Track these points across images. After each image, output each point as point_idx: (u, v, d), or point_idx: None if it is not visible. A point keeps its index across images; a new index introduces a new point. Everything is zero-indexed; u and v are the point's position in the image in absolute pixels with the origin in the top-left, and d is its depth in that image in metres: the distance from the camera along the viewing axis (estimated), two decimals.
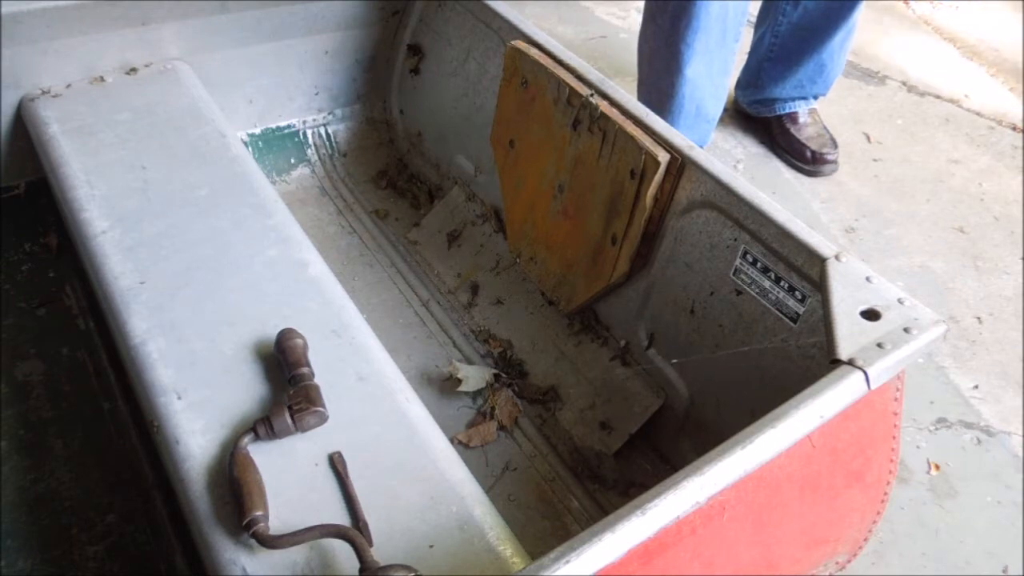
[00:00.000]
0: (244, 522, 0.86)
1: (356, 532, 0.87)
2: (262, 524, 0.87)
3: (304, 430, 0.99)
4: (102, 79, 1.53)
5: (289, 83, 1.82)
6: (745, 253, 1.17)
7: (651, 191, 1.26)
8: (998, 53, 2.88)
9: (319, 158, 1.94)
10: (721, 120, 2.39)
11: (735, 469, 0.75)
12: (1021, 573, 1.41)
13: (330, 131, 1.95)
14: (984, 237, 2.10)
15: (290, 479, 0.95)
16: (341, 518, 0.92)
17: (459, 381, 1.48)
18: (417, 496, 0.95)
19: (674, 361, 1.35)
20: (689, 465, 0.74)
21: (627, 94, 1.34)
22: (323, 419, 0.99)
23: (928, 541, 1.45)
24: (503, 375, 1.51)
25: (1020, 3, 3.14)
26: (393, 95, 1.95)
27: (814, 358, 1.10)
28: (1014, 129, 2.51)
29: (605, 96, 1.34)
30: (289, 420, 0.96)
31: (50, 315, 1.52)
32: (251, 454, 0.95)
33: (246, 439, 0.96)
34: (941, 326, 0.93)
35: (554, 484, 1.38)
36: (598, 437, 1.42)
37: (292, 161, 1.91)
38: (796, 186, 2.22)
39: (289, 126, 1.89)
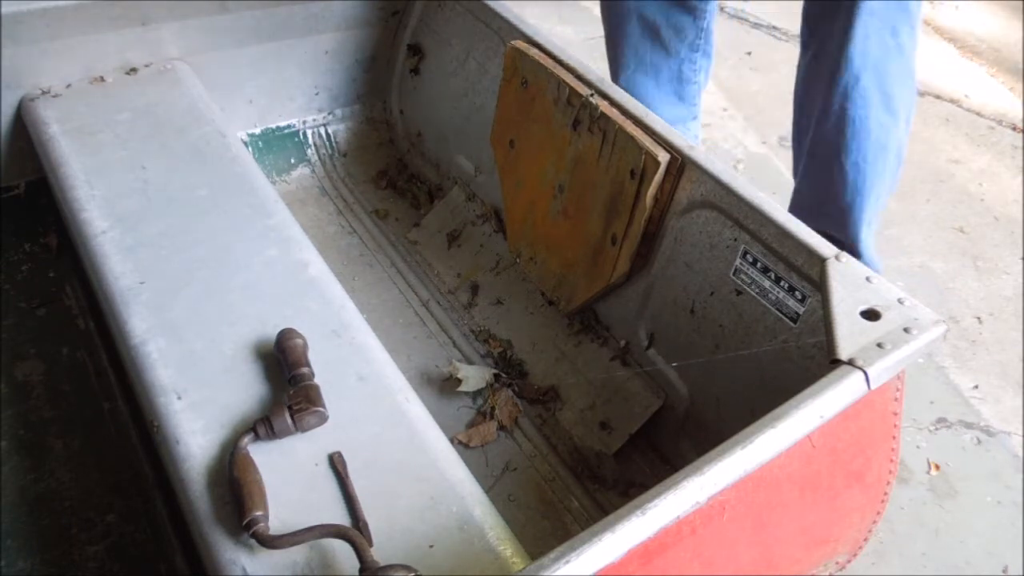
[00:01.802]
0: (244, 522, 0.86)
1: (356, 532, 0.87)
2: (262, 524, 0.87)
3: (304, 430, 0.98)
4: (102, 79, 1.53)
5: (289, 83, 1.82)
6: (745, 253, 1.17)
7: (651, 191, 1.26)
8: (998, 53, 2.88)
9: (319, 158, 1.94)
10: (721, 120, 2.40)
11: (735, 469, 0.75)
12: (1021, 573, 1.41)
13: (330, 131, 1.95)
14: (984, 237, 2.10)
15: (290, 479, 0.95)
16: (341, 518, 0.92)
17: (459, 381, 1.48)
18: (417, 496, 0.95)
19: (674, 364, 1.35)
20: (689, 465, 0.74)
21: (627, 94, 1.34)
22: (323, 419, 0.99)
23: (928, 541, 1.45)
24: (503, 375, 1.51)
25: (1020, 3, 3.14)
26: (393, 95, 1.95)
27: (814, 358, 1.10)
28: (1014, 129, 2.51)
29: (605, 96, 1.34)
30: (289, 420, 0.96)
31: (50, 315, 1.52)
32: (251, 454, 0.95)
33: (246, 439, 0.96)
34: (941, 326, 0.93)
35: (554, 484, 1.38)
36: (598, 437, 1.42)
37: (292, 161, 1.91)
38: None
39: (289, 126, 1.89)
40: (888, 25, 1.49)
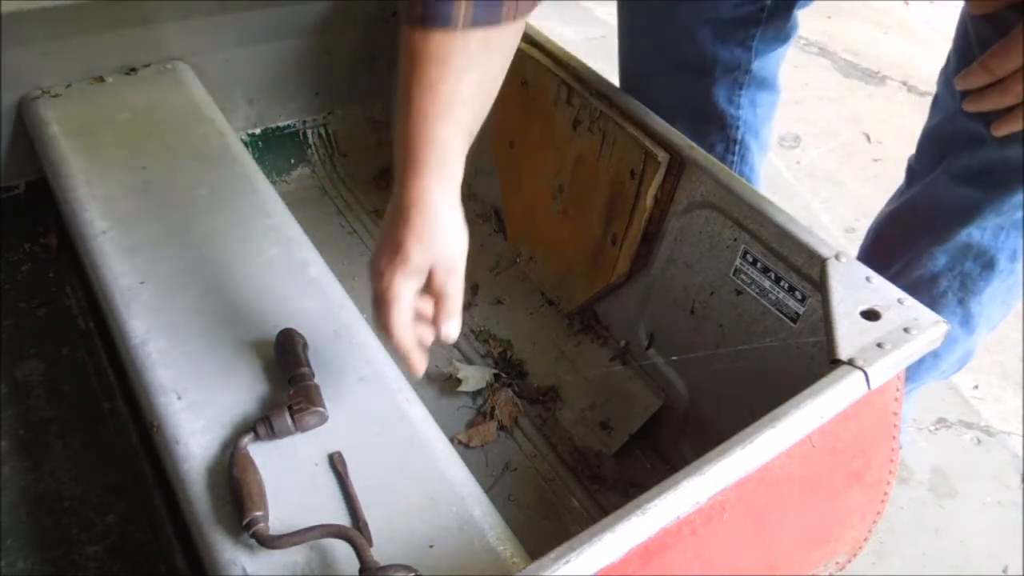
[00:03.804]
0: (244, 522, 0.86)
1: (356, 532, 0.87)
2: (262, 524, 0.87)
3: (304, 430, 0.98)
4: (102, 79, 1.53)
5: (289, 83, 1.82)
6: (745, 253, 1.17)
7: (651, 191, 1.26)
8: None
9: (319, 158, 1.94)
10: None
11: (735, 469, 0.75)
12: (1021, 573, 1.41)
13: (330, 131, 1.95)
14: None
15: (290, 479, 0.95)
16: (341, 518, 0.92)
17: (459, 381, 1.48)
18: (417, 496, 0.95)
19: (674, 358, 1.35)
20: (689, 465, 0.74)
21: (627, 94, 1.34)
22: (323, 419, 0.99)
23: (928, 541, 1.45)
24: (503, 375, 1.51)
25: None
26: (393, 95, 1.95)
27: (814, 358, 1.10)
28: None
29: (605, 96, 1.34)
30: (289, 420, 0.96)
31: (50, 315, 1.52)
32: (251, 454, 0.95)
33: (246, 439, 0.96)
34: (941, 326, 0.93)
35: (554, 484, 1.38)
36: (598, 437, 1.42)
37: (292, 161, 1.91)
38: (796, 186, 2.22)
39: (289, 126, 1.89)
40: (1005, 247, 1.10)
